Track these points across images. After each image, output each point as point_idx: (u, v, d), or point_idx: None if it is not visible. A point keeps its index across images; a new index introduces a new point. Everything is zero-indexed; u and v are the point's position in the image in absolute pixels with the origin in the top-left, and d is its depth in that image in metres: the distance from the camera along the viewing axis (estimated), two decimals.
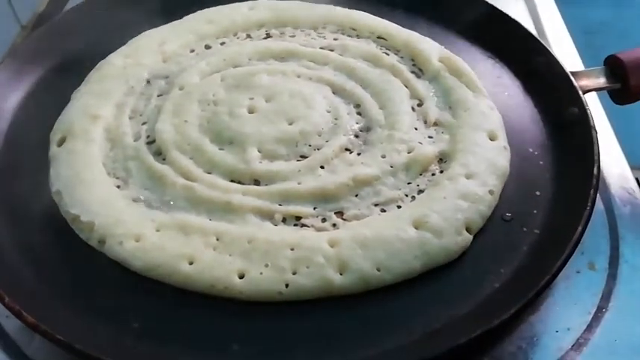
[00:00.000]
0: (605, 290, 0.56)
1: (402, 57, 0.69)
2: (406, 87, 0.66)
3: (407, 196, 0.57)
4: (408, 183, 0.58)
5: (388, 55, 0.69)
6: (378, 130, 0.62)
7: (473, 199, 0.56)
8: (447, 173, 0.58)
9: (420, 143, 0.61)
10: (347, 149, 0.60)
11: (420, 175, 0.59)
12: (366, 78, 0.66)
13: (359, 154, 0.60)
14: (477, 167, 0.58)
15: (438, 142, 0.61)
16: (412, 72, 0.68)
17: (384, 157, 0.59)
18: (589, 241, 0.58)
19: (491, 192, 0.57)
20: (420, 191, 0.57)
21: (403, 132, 0.61)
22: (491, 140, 0.61)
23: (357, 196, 0.57)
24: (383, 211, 0.56)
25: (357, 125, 0.62)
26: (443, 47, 0.69)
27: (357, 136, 0.62)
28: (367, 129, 0.62)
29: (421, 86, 0.66)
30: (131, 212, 0.56)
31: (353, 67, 0.67)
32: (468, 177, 0.57)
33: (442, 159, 0.60)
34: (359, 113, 0.64)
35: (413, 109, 0.64)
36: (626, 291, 0.56)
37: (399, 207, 0.56)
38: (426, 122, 0.63)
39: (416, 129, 0.62)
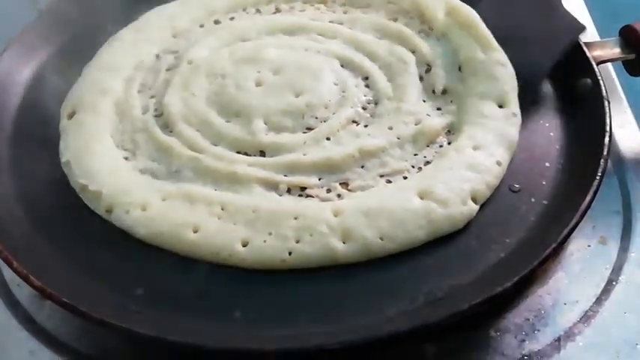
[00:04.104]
0: (616, 264, 0.55)
1: (411, 18, 0.68)
2: (413, 53, 0.65)
3: (413, 167, 0.57)
4: (415, 154, 0.58)
5: (397, 20, 0.68)
6: (386, 102, 0.61)
7: (479, 170, 0.55)
8: (454, 145, 0.57)
9: (428, 115, 0.60)
10: (354, 121, 0.60)
11: (427, 146, 0.58)
12: (374, 50, 0.65)
13: (366, 126, 0.60)
14: (485, 139, 0.57)
15: (445, 113, 0.61)
16: (420, 32, 0.67)
17: (390, 128, 0.59)
18: (601, 215, 0.57)
19: (498, 163, 0.56)
20: (427, 162, 0.57)
21: (411, 104, 0.60)
22: (500, 107, 0.60)
23: (362, 167, 0.57)
24: (389, 182, 0.56)
25: (365, 98, 0.62)
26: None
27: (364, 109, 0.61)
28: (375, 102, 0.62)
29: (429, 49, 0.65)
30: (138, 182, 0.56)
31: (361, 40, 0.66)
32: (475, 148, 0.57)
33: (450, 131, 0.59)
34: (367, 86, 0.63)
35: (421, 77, 0.63)
36: (638, 265, 0.55)
37: (405, 178, 0.56)
38: (434, 92, 0.62)
39: (424, 101, 0.62)
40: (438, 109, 0.61)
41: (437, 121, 0.59)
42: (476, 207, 0.54)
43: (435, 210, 0.52)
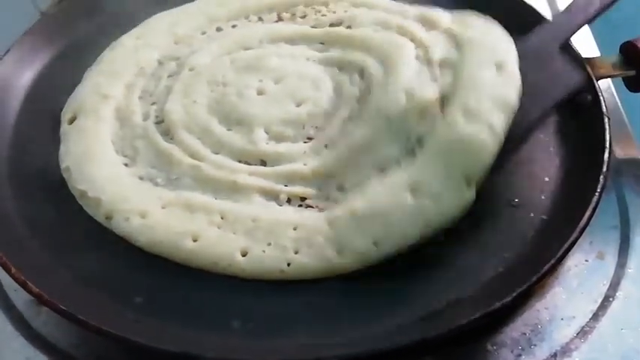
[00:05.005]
0: (614, 279, 0.55)
1: (412, 21, 0.67)
2: (412, 41, 0.64)
3: (406, 151, 0.55)
4: (407, 135, 0.56)
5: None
6: (376, 87, 0.60)
7: (472, 149, 0.54)
8: (446, 117, 0.55)
9: (421, 87, 0.58)
10: (350, 118, 0.59)
11: (420, 121, 0.56)
12: (372, 44, 0.64)
13: (358, 117, 0.58)
14: (479, 105, 0.55)
15: (440, 80, 0.59)
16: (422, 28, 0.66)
17: (379, 110, 0.57)
18: (599, 230, 0.57)
19: (492, 129, 0.54)
20: (419, 140, 0.55)
21: (401, 79, 0.59)
22: (498, 70, 0.58)
23: (356, 163, 0.56)
24: (382, 171, 0.54)
25: (359, 91, 0.61)
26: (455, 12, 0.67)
27: (358, 102, 0.60)
28: (368, 91, 0.60)
29: (428, 36, 0.64)
30: (138, 189, 0.56)
31: (360, 37, 0.65)
32: (468, 118, 0.55)
33: (444, 100, 0.57)
34: (362, 78, 0.62)
35: (417, 57, 0.62)
36: (635, 281, 0.55)
37: (398, 164, 0.54)
38: (429, 63, 0.60)
39: (418, 74, 0.60)
40: (433, 80, 0.59)
41: (429, 91, 0.57)
42: (471, 193, 0.53)
43: (428, 206, 0.52)
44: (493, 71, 0.58)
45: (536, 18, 0.67)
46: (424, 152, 0.55)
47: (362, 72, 0.63)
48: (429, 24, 0.66)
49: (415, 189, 0.53)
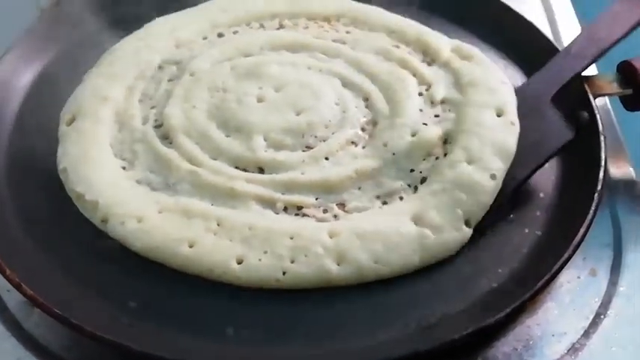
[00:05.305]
0: (605, 297, 0.55)
1: (413, 49, 0.69)
2: (414, 76, 0.65)
3: (409, 186, 0.57)
4: (411, 170, 0.57)
5: (399, 48, 0.69)
6: (383, 121, 0.61)
7: (473, 190, 0.55)
8: (449, 158, 0.57)
9: (425, 124, 0.60)
10: (353, 142, 0.60)
11: (424, 160, 0.58)
12: (375, 72, 0.66)
13: (364, 147, 0.60)
14: (480, 150, 0.57)
15: (443, 121, 0.60)
16: (423, 61, 0.67)
17: (385, 145, 0.59)
18: (592, 247, 0.57)
19: (493, 176, 0.56)
20: (423, 179, 0.57)
21: (407, 116, 0.60)
22: (498, 116, 0.60)
23: (359, 188, 0.57)
24: (384, 203, 0.56)
25: (364, 119, 0.62)
26: (455, 41, 0.69)
27: (363, 130, 0.62)
28: (374, 123, 0.62)
29: (430, 72, 0.65)
30: (135, 193, 0.56)
31: (363, 61, 0.67)
32: (470, 162, 0.56)
33: (446, 140, 0.59)
34: (367, 107, 0.63)
35: (420, 94, 0.63)
36: (627, 299, 0.55)
37: (401, 198, 0.56)
38: (432, 103, 0.62)
39: (421, 110, 0.61)
40: (436, 116, 0.61)
41: (433, 131, 0.59)
42: (469, 230, 0.54)
43: (429, 236, 0.53)
44: (493, 116, 0.60)
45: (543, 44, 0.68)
46: (427, 189, 0.56)
47: (367, 98, 0.64)
48: (429, 55, 0.68)
49: (417, 219, 0.54)
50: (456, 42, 0.68)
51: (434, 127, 0.59)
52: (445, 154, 0.58)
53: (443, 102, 0.62)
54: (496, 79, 0.63)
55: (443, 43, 0.68)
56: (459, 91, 0.62)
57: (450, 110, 0.61)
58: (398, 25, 0.71)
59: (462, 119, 0.60)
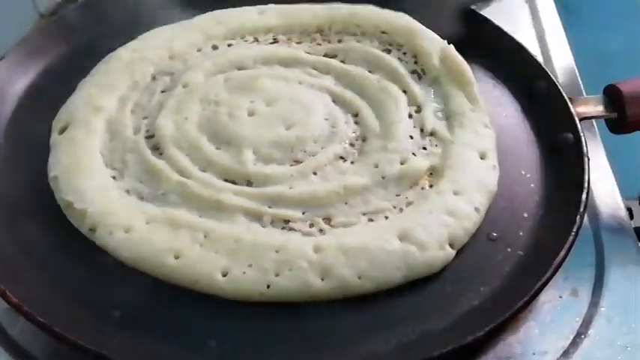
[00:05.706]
0: (586, 317, 0.56)
1: (404, 53, 0.70)
2: (405, 93, 0.66)
3: (395, 207, 0.58)
4: (397, 195, 0.59)
5: (390, 52, 0.70)
6: (373, 139, 0.62)
7: (458, 216, 0.56)
8: (435, 188, 0.59)
9: (414, 155, 0.61)
10: (341, 157, 0.61)
11: (410, 188, 0.59)
12: (365, 86, 0.67)
13: (352, 162, 0.61)
14: (465, 184, 0.59)
15: (430, 155, 0.62)
16: (413, 71, 0.68)
17: (376, 166, 0.60)
18: (574, 267, 0.58)
19: (477, 209, 0.57)
20: (409, 203, 0.58)
21: (397, 141, 0.62)
22: (481, 159, 0.62)
23: (346, 204, 0.58)
24: (370, 220, 0.57)
25: (354, 134, 0.63)
26: (445, 41, 0.70)
27: (352, 145, 0.62)
28: (363, 138, 0.63)
29: (421, 91, 0.67)
30: (124, 204, 0.57)
31: (353, 76, 0.68)
32: (456, 193, 0.58)
33: (432, 173, 0.61)
34: (356, 122, 0.64)
35: (410, 115, 0.65)
36: (607, 320, 0.56)
37: (386, 217, 0.57)
38: (422, 131, 0.64)
39: (411, 137, 0.63)
40: (424, 148, 0.62)
41: (422, 163, 0.61)
42: (452, 252, 0.55)
43: (414, 253, 0.54)
44: (477, 157, 0.62)
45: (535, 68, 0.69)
46: (414, 210, 0.57)
47: (357, 115, 0.65)
48: (420, 59, 0.69)
49: (403, 236, 0.55)
50: (446, 49, 0.69)
51: (422, 160, 0.61)
52: (431, 186, 0.59)
53: (431, 134, 0.63)
54: (480, 123, 0.64)
55: (433, 48, 0.69)
56: (447, 127, 0.64)
57: (437, 145, 0.63)
58: (389, 25, 0.72)
59: (448, 155, 0.61)
